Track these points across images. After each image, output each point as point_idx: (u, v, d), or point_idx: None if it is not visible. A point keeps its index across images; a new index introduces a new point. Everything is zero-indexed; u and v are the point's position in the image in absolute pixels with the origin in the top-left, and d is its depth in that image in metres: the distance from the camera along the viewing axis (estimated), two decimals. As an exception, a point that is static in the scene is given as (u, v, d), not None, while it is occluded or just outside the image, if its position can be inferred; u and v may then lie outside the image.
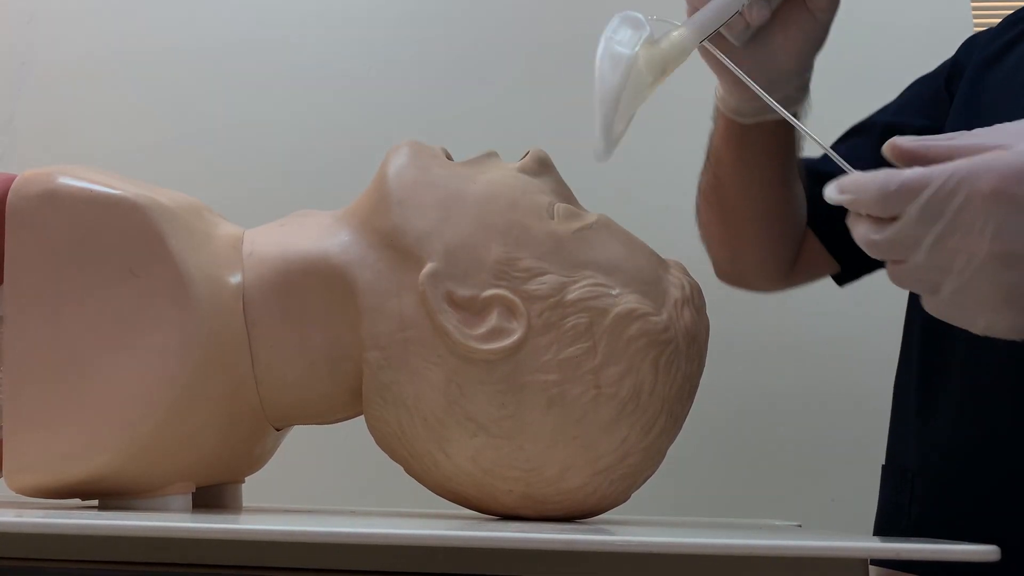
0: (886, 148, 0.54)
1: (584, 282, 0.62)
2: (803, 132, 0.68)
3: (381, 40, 1.45)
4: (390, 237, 0.64)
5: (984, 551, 0.47)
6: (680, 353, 0.63)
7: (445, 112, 1.41)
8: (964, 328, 0.53)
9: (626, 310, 0.62)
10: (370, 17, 1.46)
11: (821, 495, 1.30)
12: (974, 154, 0.51)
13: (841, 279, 0.96)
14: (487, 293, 0.62)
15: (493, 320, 0.61)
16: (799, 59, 0.76)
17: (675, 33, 0.66)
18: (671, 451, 0.66)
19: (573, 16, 1.45)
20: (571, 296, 0.62)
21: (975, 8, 1.44)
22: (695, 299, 0.65)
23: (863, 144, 0.92)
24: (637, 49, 0.64)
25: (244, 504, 0.75)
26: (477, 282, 0.62)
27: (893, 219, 0.52)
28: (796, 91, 0.78)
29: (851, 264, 0.93)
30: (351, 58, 1.45)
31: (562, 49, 1.41)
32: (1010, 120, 0.55)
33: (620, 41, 0.65)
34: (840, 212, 0.54)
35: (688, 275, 0.67)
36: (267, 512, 0.72)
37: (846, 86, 1.39)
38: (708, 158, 0.89)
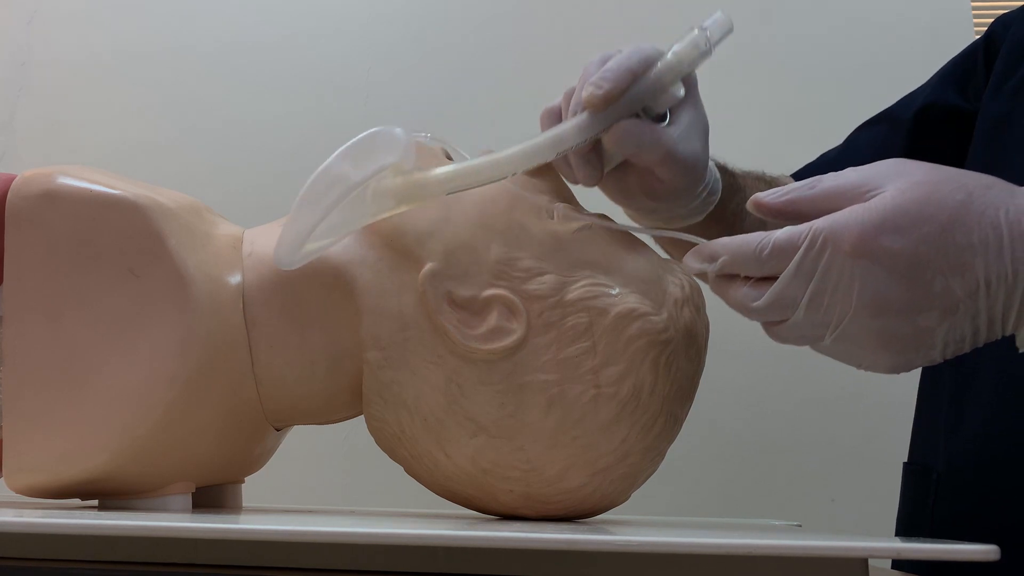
0: (750, 204, 0.57)
1: (584, 282, 0.62)
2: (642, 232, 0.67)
3: (381, 40, 1.45)
4: (390, 237, 0.64)
5: (984, 551, 0.47)
6: (680, 353, 0.63)
7: (445, 112, 1.41)
8: (850, 365, 0.56)
9: (626, 310, 0.62)
10: (370, 17, 1.46)
11: (821, 495, 1.30)
12: (836, 204, 0.54)
13: None
14: (487, 293, 0.62)
15: (493, 320, 0.61)
16: (674, 190, 0.68)
17: (438, 171, 0.61)
18: (671, 451, 0.66)
19: (574, 16, 1.45)
20: (571, 296, 0.62)
21: (975, 8, 1.44)
22: (695, 299, 0.65)
23: (890, 134, 0.92)
24: (367, 180, 0.59)
25: (244, 504, 0.75)
26: (477, 282, 0.62)
27: (768, 280, 0.54)
28: (702, 193, 0.71)
29: None
30: (351, 58, 1.45)
31: (562, 49, 1.41)
32: None
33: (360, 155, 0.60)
34: None
35: (688, 275, 0.67)
36: (267, 512, 0.72)
37: (846, 85, 1.39)
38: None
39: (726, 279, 0.56)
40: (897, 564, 0.67)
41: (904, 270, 0.52)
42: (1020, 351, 0.54)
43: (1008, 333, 0.53)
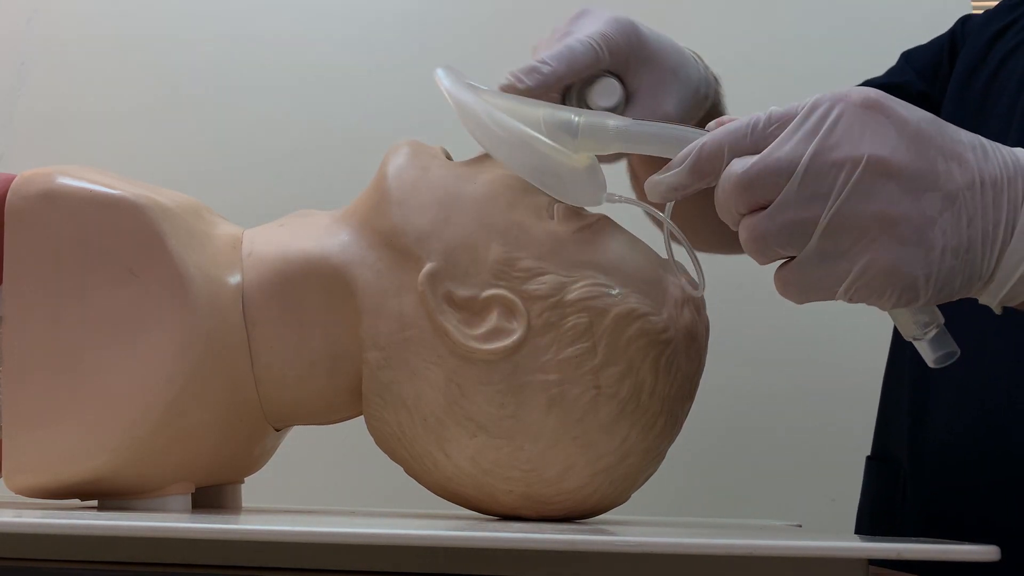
0: (712, 123, 0.53)
1: (584, 282, 0.62)
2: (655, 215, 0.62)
3: (381, 39, 1.45)
4: (389, 237, 0.64)
5: (985, 551, 0.47)
6: (680, 353, 0.63)
7: (445, 112, 1.41)
8: (828, 297, 0.51)
9: (626, 310, 0.62)
10: (370, 16, 1.46)
11: (821, 495, 1.29)
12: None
13: None
14: (487, 293, 0.62)
15: (493, 320, 0.61)
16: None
17: (612, 122, 0.58)
18: (671, 451, 0.66)
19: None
20: (571, 296, 0.62)
21: (975, 8, 1.44)
22: (695, 299, 0.65)
23: None
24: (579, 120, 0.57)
25: (244, 504, 0.75)
26: (477, 282, 0.62)
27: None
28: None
29: None
30: (351, 57, 1.45)
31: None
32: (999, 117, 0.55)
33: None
34: None
35: (688, 275, 0.67)
36: (267, 512, 0.72)
37: (845, 85, 1.39)
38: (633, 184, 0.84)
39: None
40: (886, 563, 0.67)
41: (911, 136, 0.49)
42: (997, 312, 0.52)
43: (987, 279, 0.50)
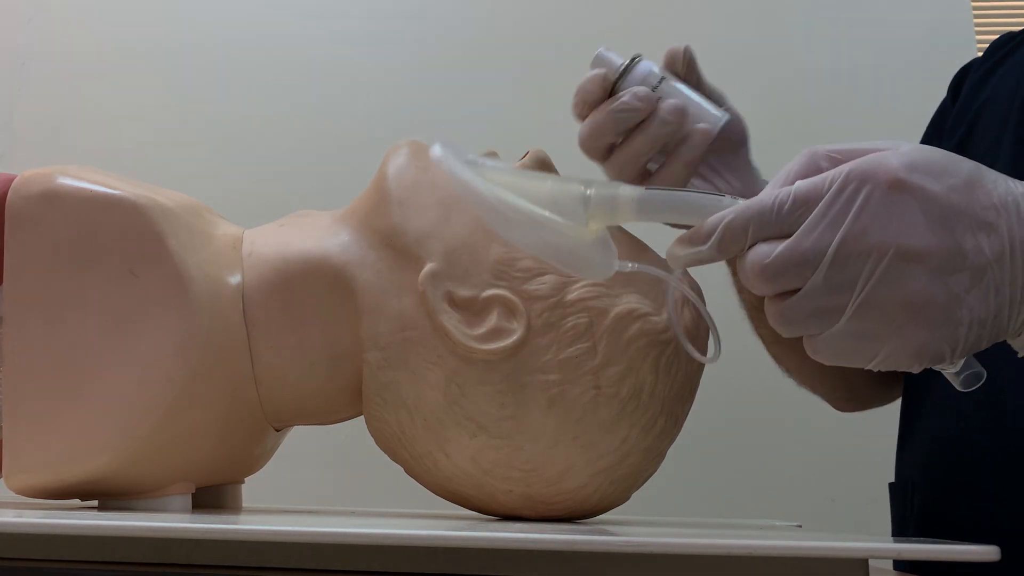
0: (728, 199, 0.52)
1: (584, 282, 0.62)
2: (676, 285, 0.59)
3: (381, 39, 1.45)
4: (390, 237, 0.64)
5: (985, 551, 0.47)
6: (680, 353, 0.63)
7: (445, 112, 1.41)
8: (857, 366, 0.50)
9: (626, 310, 0.62)
10: (370, 16, 1.46)
11: (821, 495, 1.30)
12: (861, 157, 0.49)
13: None
14: (487, 293, 0.62)
15: (493, 320, 0.61)
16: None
17: (625, 191, 0.54)
18: (671, 451, 0.66)
19: (574, 16, 1.45)
20: (571, 296, 0.62)
21: (976, 8, 1.44)
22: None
23: None
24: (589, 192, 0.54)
25: (244, 504, 0.75)
26: (477, 282, 0.62)
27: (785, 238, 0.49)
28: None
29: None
30: (351, 57, 1.45)
31: (563, 49, 1.41)
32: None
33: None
34: None
35: (688, 275, 0.67)
36: (267, 512, 0.72)
37: (846, 85, 1.39)
38: (755, 312, 0.83)
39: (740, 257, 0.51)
40: (906, 565, 0.67)
41: (939, 217, 0.48)
42: (1020, 355, 0.52)
43: (1014, 333, 0.50)
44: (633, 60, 0.71)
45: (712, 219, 0.51)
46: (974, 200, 0.49)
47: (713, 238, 0.51)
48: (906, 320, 0.48)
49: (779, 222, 0.49)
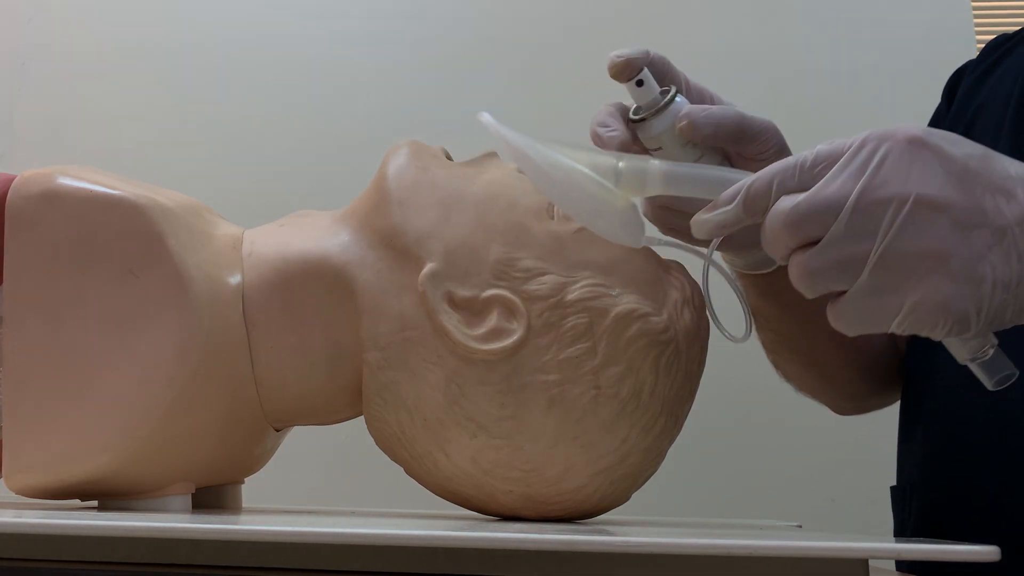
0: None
1: (584, 282, 0.62)
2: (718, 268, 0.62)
3: (381, 39, 1.45)
4: (390, 237, 0.64)
5: (985, 551, 0.47)
6: (680, 353, 0.63)
7: (445, 112, 1.41)
8: (881, 329, 0.51)
9: (626, 310, 0.62)
10: (370, 16, 1.46)
11: (821, 495, 1.30)
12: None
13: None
14: (487, 293, 0.62)
15: (493, 320, 0.61)
16: None
17: (655, 165, 0.58)
18: (671, 451, 0.66)
19: (574, 16, 1.45)
20: (571, 296, 0.62)
21: (976, 8, 1.44)
22: (695, 299, 0.65)
23: None
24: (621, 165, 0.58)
25: (244, 504, 0.75)
26: (477, 282, 0.62)
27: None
28: None
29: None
30: (351, 57, 1.45)
31: (563, 49, 1.41)
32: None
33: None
34: None
35: (688, 275, 0.67)
36: (267, 512, 0.72)
37: (846, 85, 1.39)
38: (755, 318, 0.82)
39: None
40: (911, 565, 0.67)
41: (958, 174, 0.49)
42: None
43: None
44: (669, 93, 0.63)
45: (737, 184, 0.53)
46: (991, 169, 0.50)
47: (739, 197, 0.53)
48: (929, 270, 0.48)
49: (801, 177, 0.51)
